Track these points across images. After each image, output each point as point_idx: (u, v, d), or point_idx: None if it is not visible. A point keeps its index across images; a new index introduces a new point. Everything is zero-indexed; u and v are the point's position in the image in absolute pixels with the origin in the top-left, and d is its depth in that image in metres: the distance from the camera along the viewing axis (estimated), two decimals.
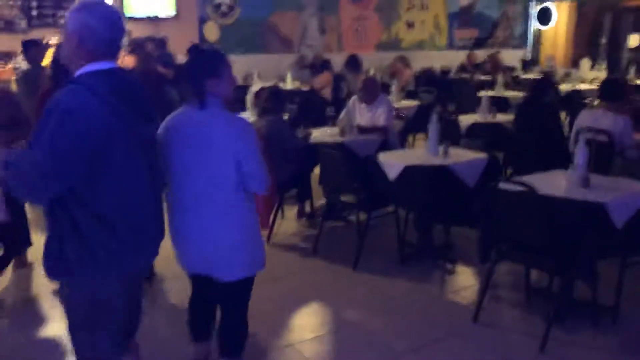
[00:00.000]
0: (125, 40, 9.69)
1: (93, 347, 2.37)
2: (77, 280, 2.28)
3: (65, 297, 2.40)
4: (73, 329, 2.39)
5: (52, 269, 2.28)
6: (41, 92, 4.72)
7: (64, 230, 2.21)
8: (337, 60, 11.02)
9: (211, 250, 2.80)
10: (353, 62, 9.49)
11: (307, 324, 3.97)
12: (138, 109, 2.28)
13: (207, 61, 2.77)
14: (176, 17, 11.19)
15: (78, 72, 2.20)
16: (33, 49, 7.33)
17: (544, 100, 5.74)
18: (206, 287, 3.02)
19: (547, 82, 6.27)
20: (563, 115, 9.75)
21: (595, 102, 5.93)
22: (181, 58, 10.30)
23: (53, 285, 4.30)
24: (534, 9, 16.24)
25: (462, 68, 13.10)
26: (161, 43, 9.97)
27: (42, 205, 2.27)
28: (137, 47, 9.05)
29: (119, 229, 2.24)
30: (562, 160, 4.59)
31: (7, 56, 8.93)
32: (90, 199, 2.18)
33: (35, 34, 9.51)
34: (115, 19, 2.25)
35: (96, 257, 2.22)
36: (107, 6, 2.29)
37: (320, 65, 10.20)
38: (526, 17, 16.34)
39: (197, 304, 3.19)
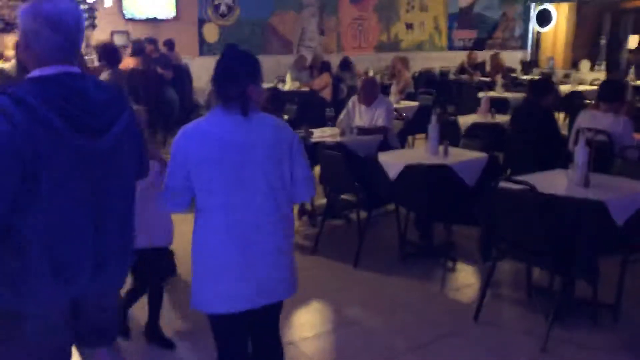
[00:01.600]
0: (125, 41, 9.74)
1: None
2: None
3: None
4: None
5: None
6: None
7: None
8: (337, 61, 11.06)
9: (277, 269, 2.49)
10: (345, 63, 10.73)
11: (308, 322, 3.97)
12: (81, 120, 1.95)
13: (250, 65, 2.47)
14: (176, 18, 11.20)
15: (27, 76, 1.98)
16: None
17: (542, 101, 5.74)
18: (246, 326, 2.59)
19: (547, 83, 6.26)
20: (562, 116, 9.80)
21: (594, 102, 5.94)
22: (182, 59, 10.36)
23: None
24: (534, 10, 16.27)
25: (462, 69, 13.11)
26: (169, 45, 10.05)
27: None
28: (138, 48, 9.09)
29: (38, 261, 1.94)
30: (560, 161, 4.59)
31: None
32: (14, 228, 1.91)
33: None
34: (64, 19, 1.97)
35: (20, 290, 1.97)
36: (56, 6, 1.98)
37: (320, 66, 10.22)
38: (526, 18, 16.37)
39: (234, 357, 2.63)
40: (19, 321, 2.02)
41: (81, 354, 2.41)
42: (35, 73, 1.96)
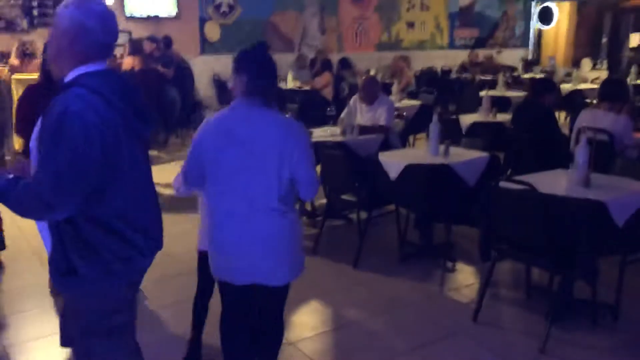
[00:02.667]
0: (125, 41, 9.73)
1: (113, 350, 2.29)
2: (89, 290, 2.20)
3: (75, 308, 2.32)
4: (85, 337, 2.29)
5: (62, 283, 2.21)
6: (28, 86, 4.62)
7: (71, 245, 2.12)
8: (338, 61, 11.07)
9: (269, 255, 2.67)
10: (344, 62, 10.79)
11: (308, 322, 3.97)
12: (136, 109, 2.18)
13: (274, 64, 2.73)
14: (177, 16, 11.21)
15: (73, 74, 2.08)
16: None
17: (542, 100, 5.74)
18: (247, 300, 2.84)
19: (547, 82, 6.26)
20: (563, 115, 9.79)
21: (595, 102, 5.93)
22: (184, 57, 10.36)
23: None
24: (535, 9, 16.25)
25: (463, 68, 13.10)
26: (167, 42, 10.01)
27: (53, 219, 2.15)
28: (137, 47, 9.08)
29: (129, 236, 2.17)
30: (561, 160, 4.59)
31: (8, 56, 8.94)
32: (99, 208, 2.09)
33: (36, 34, 9.53)
34: (112, 22, 2.14)
35: (109, 268, 2.15)
36: (105, 7, 2.15)
37: (322, 64, 10.22)
38: (527, 17, 16.35)
39: (234, 323, 2.91)
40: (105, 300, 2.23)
41: None
42: (86, 69, 2.08)
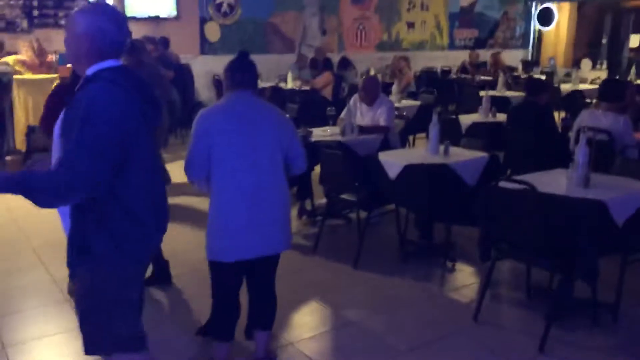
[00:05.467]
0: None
1: (111, 332, 2.42)
2: (100, 267, 2.34)
3: (88, 286, 2.41)
4: (90, 315, 2.42)
5: (76, 261, 2.37)
6: (56, 86, 4.72)
7: (88, 224, 2.29)
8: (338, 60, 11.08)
9: (277, 226, 3.05)
10: (344, 62, 11.13)
11: (308, 322, 3.97)
12: (149, 99, 2.41)
13: (254, 65, 3.16)
14: (177, 17, 11.20)
15: (92, 69, 2.29)
16: None
17: (538, 100, 5.75)
18: (244, 274, 3.17)
19: (541, 82, 6.29)
20: (561, 115, 9.79)
21: (594, 102, 5.94)
22: (183, 58, 10.36)
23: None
24: (535, 10, 16.25)
25: (463, 68, 13.11)
26: (164, 42, 9.98)
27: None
28: (137, 48, 9.04)
29: (142, 216, 2.35)
30: (560, 160, 4.59)
31: (8, 56, 8.92)
32: (120, 191, 2.27)
33: (36, 34, 9.53)
34: (124, 23, 2.37)
35: (122, 248, 2.32)
36: (116, 9, 2.43)
37: (322, 64, 10.20)
38: (527, 17, 16.35)
39: (232, 298, 3.19)
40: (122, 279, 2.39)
41: None
42: (104, 65, 2.29)
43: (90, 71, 2.29)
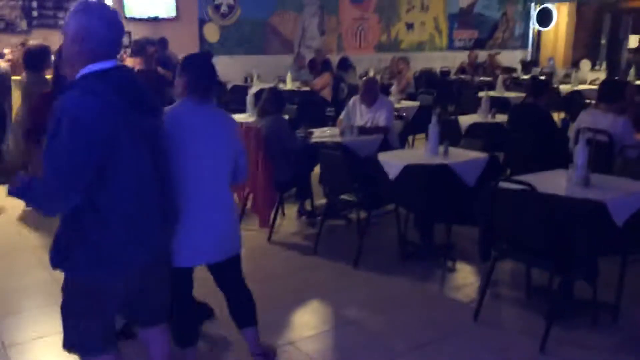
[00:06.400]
0: (125, 42, 9.73)
1: (80, 333, 2.44)
2: (79, 276, 2.35)
3: (67, 285, 2.44)
4: (66, 313, 2.46)
5: (57, 263, 2.35)
6: (41, 95, 4.66)
7: (69, 232, 2.28)
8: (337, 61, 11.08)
9: (229, 232, 3.11)
10: (343, 62, 10.93)
11: (308, 322, 3.98)
12: (140, 103, 2.32)
13: (213, 66, 3.10)
14: (176, 18, 11.20)
15: (81, 72, 2.23)
16: None
17: (539, 101, 5.76)
18: (215, 277, 3.22)
19: (542, 82, 6.28)
20: (561, 116, 9.80)
21: (594, 102, 5.95)
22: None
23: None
24: (534, 10, 16.27)
25: (462, 69, 13.12)
26: (163, 43, 9.98)
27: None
28: (138, 49, 9.06)
29: (124, 228, 2.29)
30: (560, 161, 4.60)
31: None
32: (100, 200, 2.23)
33: (35, 35, 9.52)
34: (115, 19, 2.29)
35: (99, 259, 2.28)
36: (106, 6, 2.34)
37: (321, 65, 10.20)
38: (526, 18, 16.37)
39: (192, 302, 3.26)
40: (97, 292, 2.36)
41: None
42: (92, 67, 2.22)
43: (79, 75, 2.24)
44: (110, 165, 2.20)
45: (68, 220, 2.29)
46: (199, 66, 3.03)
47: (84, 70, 2.22)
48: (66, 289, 2.44)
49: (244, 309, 3.28)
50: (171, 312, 2.95)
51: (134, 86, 2.34)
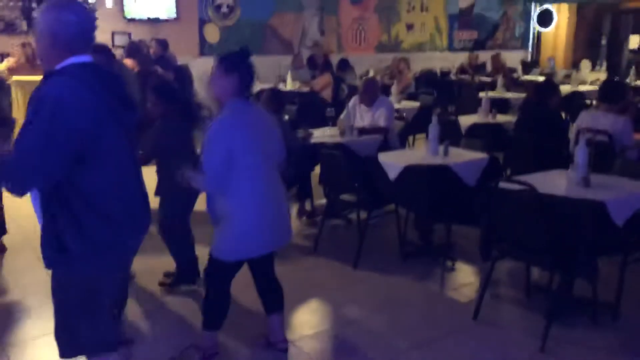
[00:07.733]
0: (124, 43, 9.72)
1: (95, 328, 2.42)
2: (77, 267, 2.33)
3: (61, 284, 2.41)
4: (71, 314, 2.43)
5: (51, 260, 2.33)
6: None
7: (61, 223, 2.25)
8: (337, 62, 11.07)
9: (288, 222, 3.35)
10: (343, 63, 10.95)
11: (308, 321, 3.98)
12: (120, 97, 2.36)
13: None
14: (177, 19, 11.20)
15: (59, 66, 2.23)
16: None
17: (549, 103, 5.74)
18: (250, 268, 3.38)
19: (552, 83, 6.27)
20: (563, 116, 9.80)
21: (595, 103, 5.94)
22: (182, 59, 10.35)
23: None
24: (534, 11, 16.27)
25: (462, 69, 13.12)
26: (163, 44, 9.97)
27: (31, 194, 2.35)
28: (136, 50, 9.04)
29: (115, 217, 2.31)
30: (562, 162, 4.60)
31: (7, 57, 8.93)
32: (85, 188, 2.24)
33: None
34: (85, 13, 2.30)
35: (96, 247, 2.29)
36: (76, 2, 2.35)
37: (322, 64, 10.20)
38: (526, 18, 16.37)
39: (228, 291, 3.33)
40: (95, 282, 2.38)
41: None
42: (71, 60, 2.23)
43: (59, 66, 2.23)
44: (94, 155, 2.21)
45: (54, 213, 2.26)
46: (249, 66, 3.14)
47: (64, 63, 2.22)
48: (59, 289, 2.41)
49: (275, 295, 3.46)
50: (206, 298, 3.28)
51: (114, 80, 2.38)
